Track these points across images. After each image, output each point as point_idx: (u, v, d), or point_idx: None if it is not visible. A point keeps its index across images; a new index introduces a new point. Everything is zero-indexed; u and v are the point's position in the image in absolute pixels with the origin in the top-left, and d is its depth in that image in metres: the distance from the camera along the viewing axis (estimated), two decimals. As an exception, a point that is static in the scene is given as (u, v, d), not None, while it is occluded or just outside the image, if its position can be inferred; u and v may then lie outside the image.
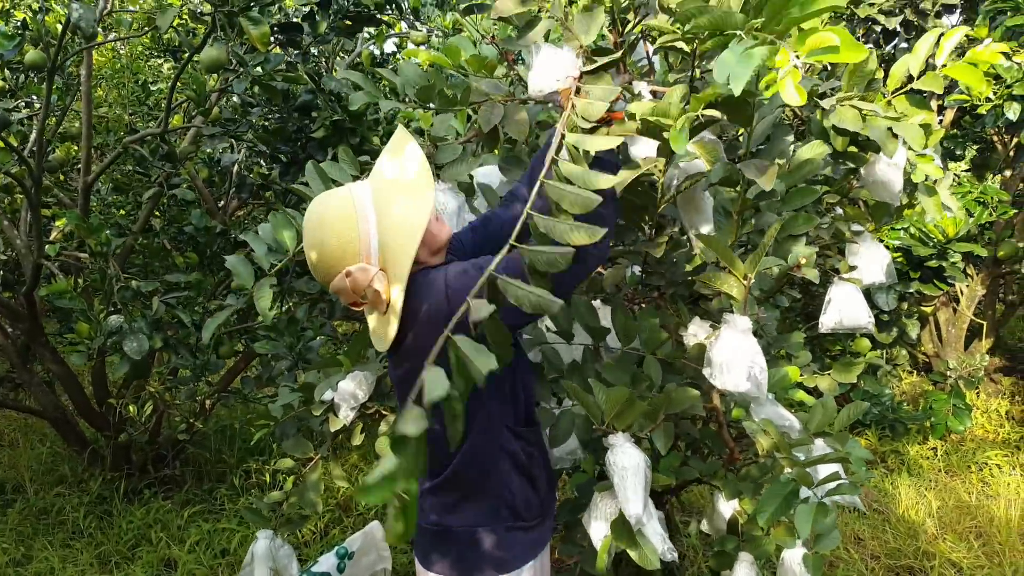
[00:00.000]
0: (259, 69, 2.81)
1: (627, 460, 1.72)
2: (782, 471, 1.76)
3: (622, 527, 1.76)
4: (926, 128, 2.09)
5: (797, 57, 1.24)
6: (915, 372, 5.60)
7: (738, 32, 1.34)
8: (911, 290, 3.88)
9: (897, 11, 4.48)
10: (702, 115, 1.45)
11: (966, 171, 5.16)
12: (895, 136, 1.93)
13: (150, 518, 3.77)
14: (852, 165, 2.20)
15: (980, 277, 5.17)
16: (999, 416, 4.83)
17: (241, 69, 2.79)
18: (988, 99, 3.64)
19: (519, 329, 1.73)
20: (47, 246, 3.35)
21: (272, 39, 3.24)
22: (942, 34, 1.92)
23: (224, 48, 2.73)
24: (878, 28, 4.54)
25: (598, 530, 1.85)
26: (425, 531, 1.71)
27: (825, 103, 2.01)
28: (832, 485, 1.75)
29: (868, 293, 3.97)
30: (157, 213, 3.88)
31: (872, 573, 3.18)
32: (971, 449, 4.34)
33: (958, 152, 4.66)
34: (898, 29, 4.59)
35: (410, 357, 1.58)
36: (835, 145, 2.12)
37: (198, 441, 4.43)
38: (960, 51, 2.53)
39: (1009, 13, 3.76)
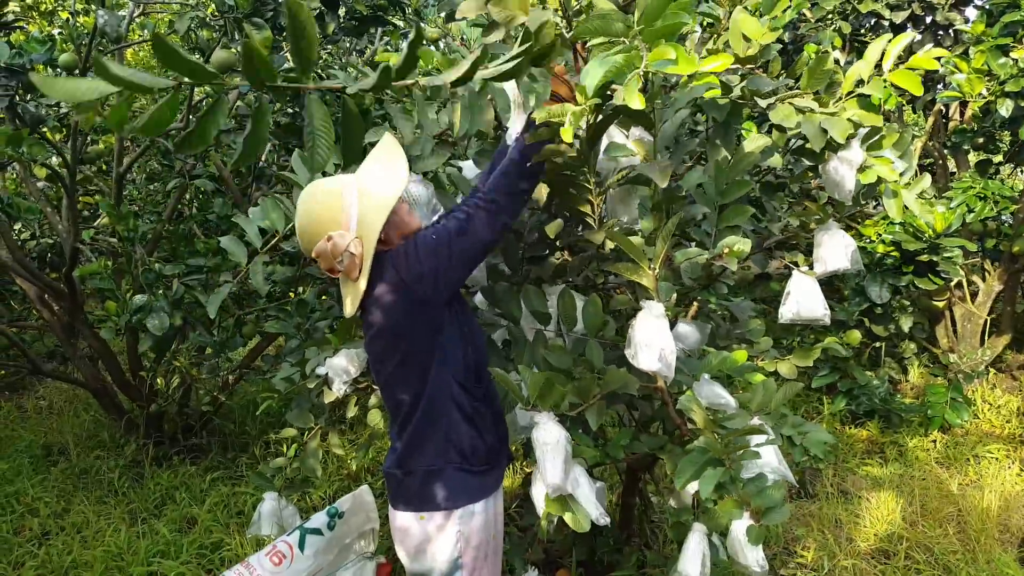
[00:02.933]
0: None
1: (547, 436, 1.93)
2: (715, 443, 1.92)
3: (552, 498, 1.97)
4: (876, 131, 2.24)
5: (644, 66, 1.44)
6: (934, 366, 5.61)
7: (620, 39, 1.53)
8: (903, 284, 3.95)
9: (905, 5, 4.52)
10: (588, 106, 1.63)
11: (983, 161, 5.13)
12: (824, 132, 2.08)
13: (176, 481, 4.09)
14: (808, 163, 2.33)
15: (997, 272, 5.16)
16: (1009, 412, 4.83)
17: (247, 70, 3.04)
18: (982, 95, 3.69)
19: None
20: (84, 231, 3.67)
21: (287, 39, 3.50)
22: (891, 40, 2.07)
23: (232, 50, 2.99)
24: (885, 23, 4.58)
25: (540, 500, 2.05)
26: (392, 476, 2.00)
27: (763, 101, 2.16)
28: (741, 452, 1.91)
29: (862, 287, 4.06)
30: (187, 201, 4.19)
31: (845, 555, 3.30)
32: (972, 443, 4.38)
33: (991, 147, 4.63)
34: (907, 25, 4.62)
35: (375, 322, 1.89)
36: (776, 141, 2.26)
37: (224, 414, 4.76)
38: (964, 50, 2.60)
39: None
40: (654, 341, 1.88)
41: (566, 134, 1.68)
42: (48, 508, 3.84)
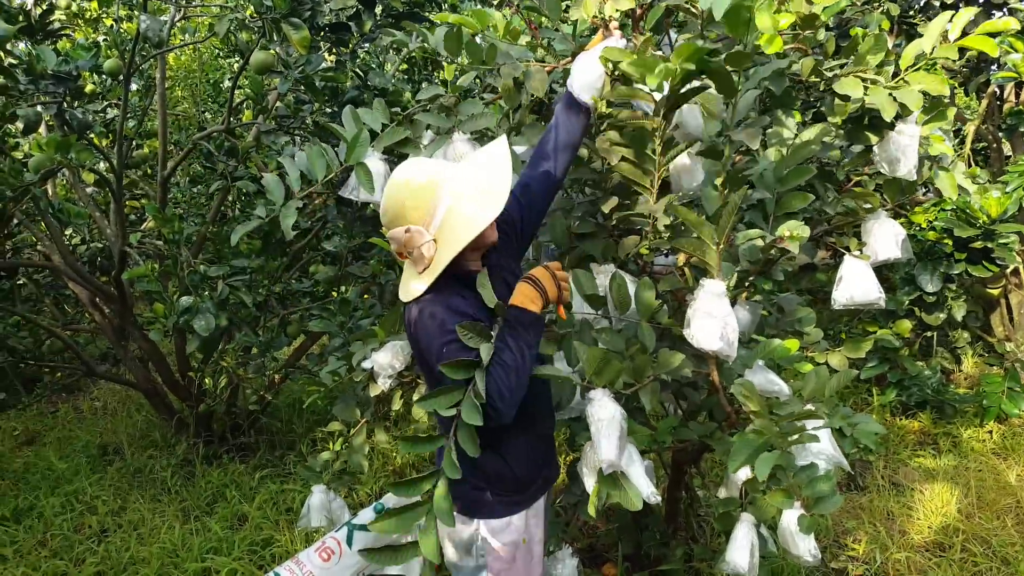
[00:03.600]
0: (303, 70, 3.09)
1: (603, 412, 1.89)
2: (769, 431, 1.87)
3: (606, 474, 1.94)
4: (938, 100, 2.22)
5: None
6: (990, 355, 5.45)
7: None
8: (957, 271, 3.84)
9: (959, -13, 4.38)
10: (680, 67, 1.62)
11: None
12: (895, 100, 2.06)
13: (227, 479, 4.16)
14: (864, 145, 2.31)
15: (1056, 258, 4.99)
16: (1071, 401, 4.68)
17: (285, 71, 3.07)
18: (1037, 75, 3.57)
19: None
20: (132, 235, 3.75)
21: (326, 38, 3.52)
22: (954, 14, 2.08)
23: (271, 52, 3.01)
24: (936, 4, 4.45)
25: (590, 479, 2.03)
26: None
27: (829, 72, 2.15)
28: (797, 436, 1.87)
29: (912, 276, 3.96)
30: (230, 203, 4.25)
31: (898, 547, 3.22)
32: (1030, 432, 4.26)
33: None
34: (959, 5, 4.48)
35: (410, 327, 1.86)
36: (838, 114, 2.23)
37: (271, 413, 4.83)
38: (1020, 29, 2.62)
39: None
40: (715, 319, 1.85)
41: (653, 80, 1.69)
42: (105, 506, 3.94)
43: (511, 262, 2.02)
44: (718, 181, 2.04)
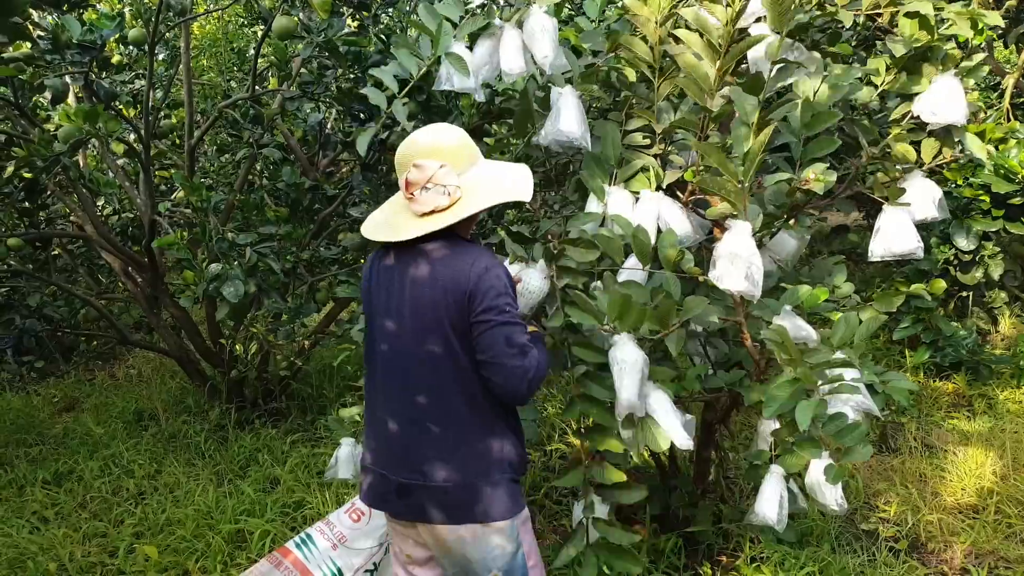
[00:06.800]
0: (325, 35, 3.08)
1: (626, 355, 1.91)
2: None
3: (622, 416, 1.96)
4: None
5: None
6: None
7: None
8: (994, 229, 3.75)
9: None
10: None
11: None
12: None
13: (259, 443, 4.23)
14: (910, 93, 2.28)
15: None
16: (1112, 362, 4.58)
17: (308, 36, 3.06)
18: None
19: None
20: (161, 204, 3.78)
21: (348, 3, 3.50)
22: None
23: (293, 17, 3.00)
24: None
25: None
26: (433, 490, 1.85)
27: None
28: (835, 385, 1.85)
29: (947, 234, 3.88)
30: (258, 170, 4.27)
31: (930, 509, 3.20)
32: (1069, 394, 4.18)
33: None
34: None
35: (426, 283, 1.81)
36: (905, 32, 2.22)
37: (302, 378, 4.89)
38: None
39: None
40: (740, 259, 1.83)
41: None
42: (142, 470, 4.02)
43: None
44: (753, 118, 1.99)
